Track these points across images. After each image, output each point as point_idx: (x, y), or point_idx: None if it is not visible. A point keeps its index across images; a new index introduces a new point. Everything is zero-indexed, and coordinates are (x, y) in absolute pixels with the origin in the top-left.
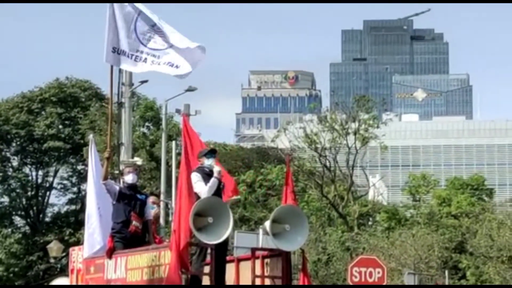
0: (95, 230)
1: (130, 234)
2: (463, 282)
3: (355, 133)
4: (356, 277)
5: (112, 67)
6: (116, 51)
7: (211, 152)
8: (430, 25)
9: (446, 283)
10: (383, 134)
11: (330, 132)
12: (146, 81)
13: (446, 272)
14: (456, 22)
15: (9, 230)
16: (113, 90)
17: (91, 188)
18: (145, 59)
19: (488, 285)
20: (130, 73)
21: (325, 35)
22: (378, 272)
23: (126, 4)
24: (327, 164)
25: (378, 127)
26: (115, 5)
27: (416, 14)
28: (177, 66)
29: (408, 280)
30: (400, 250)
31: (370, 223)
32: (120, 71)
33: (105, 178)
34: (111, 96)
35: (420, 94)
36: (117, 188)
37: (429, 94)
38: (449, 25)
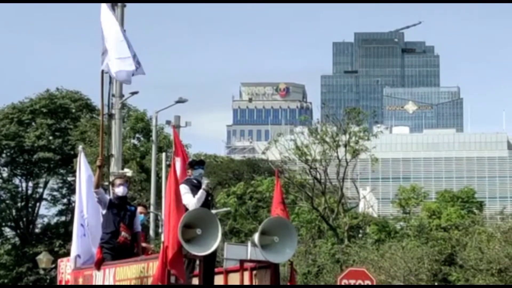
0: (74, 239)
1: (118, 245)
2: None
3: (345, 146)
4: None
5: (102, 77)
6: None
7: (200, 164)
8: (421, 38)
9: None
10: (373, 146)
11: (320, 144)
12: (136, 93)
13: (436, 284)
14: (447, 35)
15: None
16: (103, 101)
17: (79, 198)
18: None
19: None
20: (121, 84)
21: (316, 47)
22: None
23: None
24: (318, 176)
25: (368, 139)
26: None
27: (407, 27)
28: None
29: None
30: (390, 263)
31: (360, 235)
32: (110, 81)
33: (97, 187)
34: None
35: (410, 107)
36: (108, 198)
37: (420, 106)
38: (440, 38)
